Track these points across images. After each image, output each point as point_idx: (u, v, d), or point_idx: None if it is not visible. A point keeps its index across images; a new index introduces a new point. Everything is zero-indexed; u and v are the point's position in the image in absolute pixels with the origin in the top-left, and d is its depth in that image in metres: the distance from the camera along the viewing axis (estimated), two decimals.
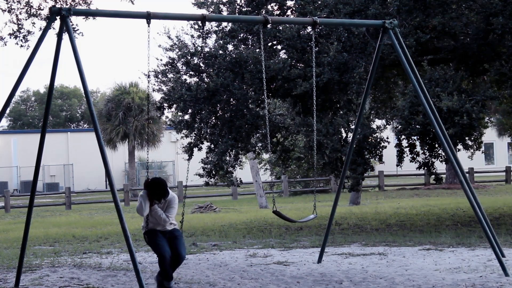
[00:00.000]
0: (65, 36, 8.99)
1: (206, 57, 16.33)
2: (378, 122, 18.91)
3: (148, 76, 10.75)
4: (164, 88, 17.16)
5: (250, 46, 16.51)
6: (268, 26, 10.25)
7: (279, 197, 34.85)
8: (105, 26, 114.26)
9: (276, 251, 13.18)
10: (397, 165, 16.99)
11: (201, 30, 16.47)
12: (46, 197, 42.25)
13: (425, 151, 15.40)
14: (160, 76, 17.20)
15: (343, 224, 18.64)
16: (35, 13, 15.28)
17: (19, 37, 15.06)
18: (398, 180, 44.24)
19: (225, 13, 16.35)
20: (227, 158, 16.77)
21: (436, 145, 15.20)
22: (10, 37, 15.09)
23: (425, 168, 15.77)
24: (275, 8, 16.69)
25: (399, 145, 15.86)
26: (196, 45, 16.78)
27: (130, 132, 43.84)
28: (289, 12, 16.76)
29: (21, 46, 15.06)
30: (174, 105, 16.86)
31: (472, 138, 15.58)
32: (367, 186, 36.08)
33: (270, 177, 26.83)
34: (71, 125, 79.41)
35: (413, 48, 14.37)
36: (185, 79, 17.01)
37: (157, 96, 58.93)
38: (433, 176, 15.87)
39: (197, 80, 16.68)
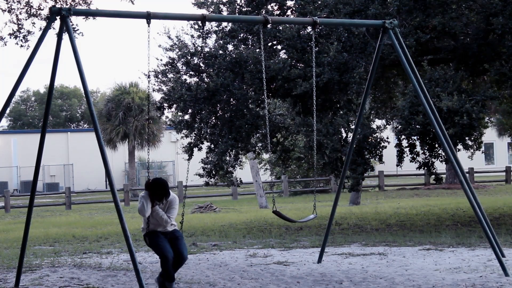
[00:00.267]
0: (65, 36, 8.99)
1: (206, 57, 16.32)
2: (378, 122, 18.91)
3: (148, 76, 10.77)
4: (164, 88, 17.15)
5: (250, 46, 16.50)
6: (268, 26, 10.25)
7: (279, 197, 34.84)
8: (105, 26, 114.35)
9: (276, 251, 13.18)
10: (397, 165, 16.99)
11: (201, 30, 16.47)
12: (46, 197, 42.22)
13: (425, 151, 15.40)
14: (160, 76, 17.20)
15: (343, 224, 18.63)
16: (35, 13, 15.26)
17: (19, 37, 15.04)
18: (398, 180, 44.23)
19: (225, 13, 16.34)
20: (227, 158, 16.77)
21: (436, 145, 15.20)
22: (10, 37, 15.07)
23: (425, 168, 15.77)
24: (275, 8, 16.69)
25: (399, 145, 15.85)
26: (196, 45, 16.78)
27: (130, 132, 43.82)
28: (289, 12, 16.75)
29: (21, 46, 15.04)
30: (174, 105, 16.86)
31: (472, 138, 15.58)
32: (367, 186, 36.06)
33: (270, 177, 26.84)
34: (71, 125, 79.38)
35: (413, 48, 14.37)
36: (185, 79, 17.01)
37: (157, 96, 58.84)
38: (433, 176, 15.87)
39: (197, 80, 16.68)
